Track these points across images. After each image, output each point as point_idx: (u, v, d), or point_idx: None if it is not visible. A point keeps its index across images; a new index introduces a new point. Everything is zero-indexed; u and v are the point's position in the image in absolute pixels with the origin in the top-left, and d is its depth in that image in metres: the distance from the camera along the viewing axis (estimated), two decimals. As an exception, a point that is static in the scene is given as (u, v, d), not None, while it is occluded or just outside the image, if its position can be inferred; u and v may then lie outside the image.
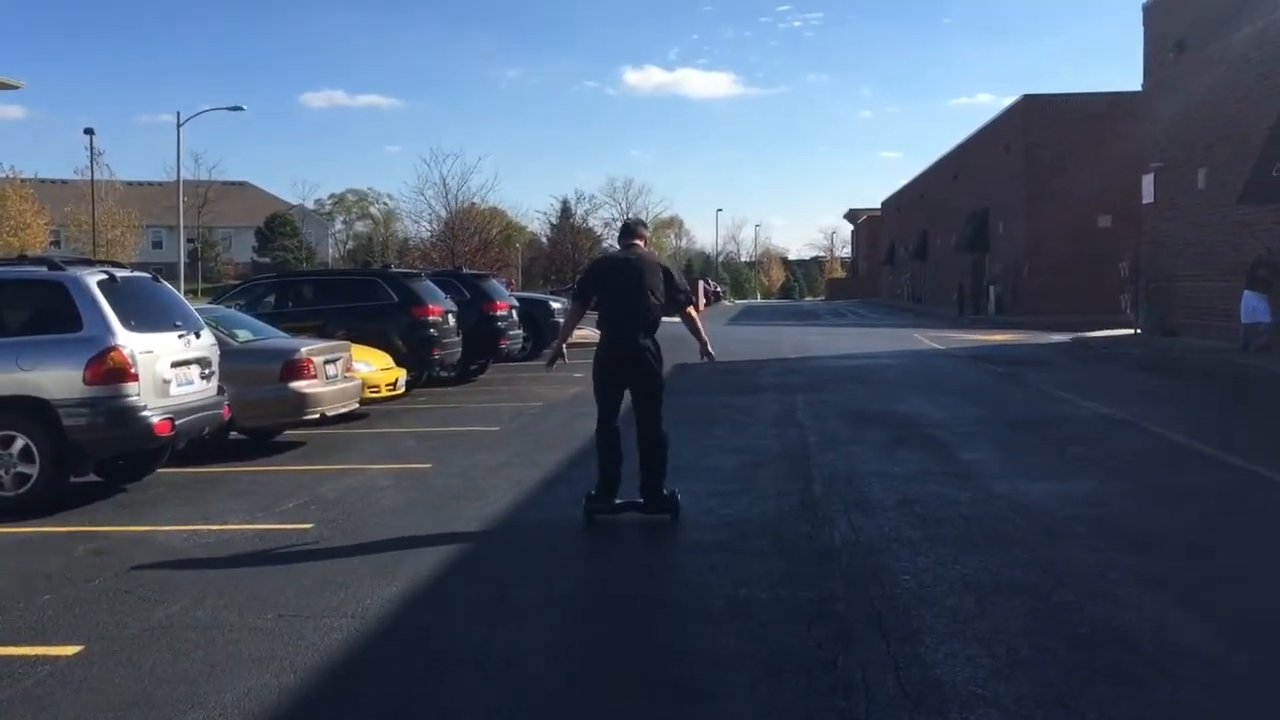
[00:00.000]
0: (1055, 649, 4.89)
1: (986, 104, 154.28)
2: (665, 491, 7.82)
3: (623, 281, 7.76)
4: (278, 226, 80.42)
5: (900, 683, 4.49)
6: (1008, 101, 45.11)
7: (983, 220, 47.63)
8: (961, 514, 7.66)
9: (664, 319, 7.77)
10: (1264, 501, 8.30)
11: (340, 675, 4.78)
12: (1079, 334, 28.22)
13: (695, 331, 8.08)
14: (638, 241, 8.03)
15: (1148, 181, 28.13)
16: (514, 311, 21.30)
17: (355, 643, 5.17)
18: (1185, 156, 25.46)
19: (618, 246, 8.24)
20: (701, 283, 59.99)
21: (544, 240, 72.10)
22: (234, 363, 10.53)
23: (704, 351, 8.16)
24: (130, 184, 71.24)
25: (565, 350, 8.16)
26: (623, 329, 7.71)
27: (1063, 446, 10.79)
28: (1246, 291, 20.75)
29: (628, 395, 7.81)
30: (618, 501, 7.84)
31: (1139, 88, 29.65)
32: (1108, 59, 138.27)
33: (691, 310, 8.04)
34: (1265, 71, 21.43)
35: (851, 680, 4.53)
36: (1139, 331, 26.88)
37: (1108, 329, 28.85)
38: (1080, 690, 4.40)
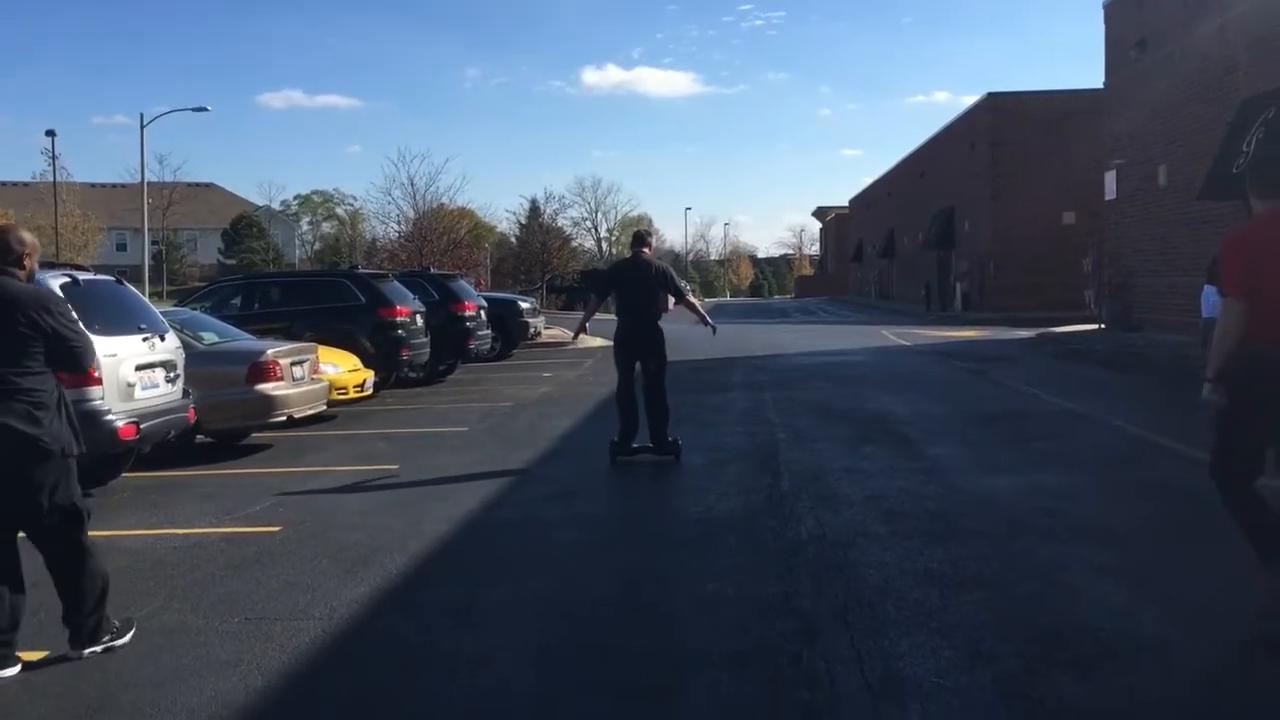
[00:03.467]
0: (1016, 640, 4.96)
1: (944, 102, 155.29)
2: (670, 439, 9.95)
3: (635, 279, 10.08)
4: (244, 228, 79.83)
5: (864, 675, 4.54)
6: (966, 100, 45.88)
7: (949, 218, 48.02)
8: (927, 509, 7.74)
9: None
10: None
11: (308, 677, 4.78)
12: (1044, 330, 28.52)
13: (694, 310, 10.64)
14: (645, 249, 10.35)
15: (1110, 178, 28.44)
16: (482, 312, 21.28)
17: (323, 645, 5.17)
18: (1147, 153, 25.76)
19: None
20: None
21: (513, 240, 71.89)
22: (199, 365, 10.47)
23: (704, 322, 10.60)
24: (93, 186, 70.57)
25: (587, 328, 11.10)
26: (636, 315, 10.03)
27: (1027, 441, 10.92)
28: (1207, 286, 20.94)
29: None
30: (634, 446, 9.98)
31: (1101, 85, 29.96)
32: (1068, 58, 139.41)
33: (689, 298, 10.68)
34: (1225, 68, 21.72)
35: (816, 673, 4.58)
36: (1103, 327, 27.19)
37: (1072, 324, 29.15)
38: (1040, 680, 4.46)
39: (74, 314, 5.05)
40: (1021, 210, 40.39)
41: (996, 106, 42.55)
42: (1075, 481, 8.80)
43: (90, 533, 5.13)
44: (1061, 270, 37.10)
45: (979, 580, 5.93)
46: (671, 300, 10.48)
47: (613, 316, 10.71)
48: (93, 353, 5.22)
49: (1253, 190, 5.27)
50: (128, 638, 5.15)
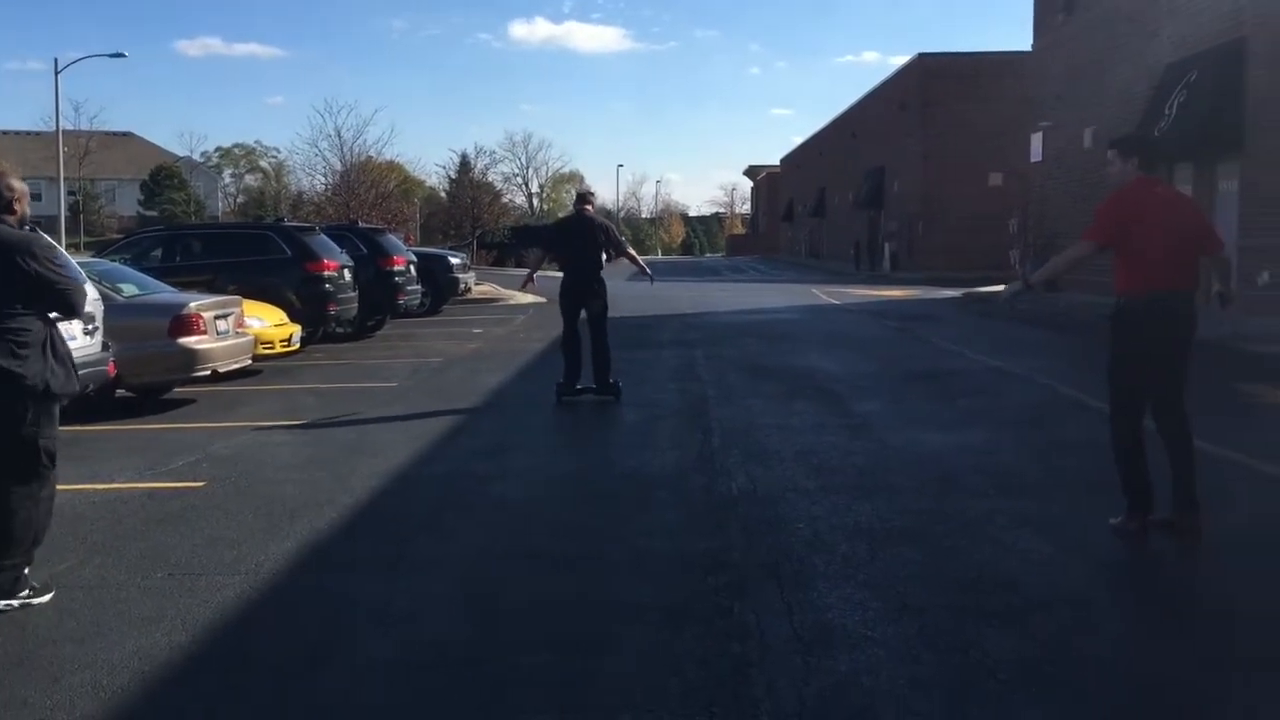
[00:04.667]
0: (943, 592, 5.05)
1: (873, 63, 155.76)
2: (611, 380, 10.84)
3: (580, 235, 10.88)
4: (164, 179, 77.61)
5: (793, 627, 4.59)
6: (894, 60, 46.18)
7: (879, 178, 48.38)
8: (855, 464, 7.83)
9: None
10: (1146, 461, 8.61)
11: (234, 632, 4.71)
12: (970, 289, 28.92)
13: (635, 261, 11.89)
14: (587, 207, 11.25)
15: (1036, 140, 28.82)
16: (411, 266, 21.02)
17: (250, 599, 5.10)
18: (1072, 115, 26.12)
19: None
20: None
21: (443, 195, 70.96)
22: (119, 318, 10.20)
23: (643, 272, 12.40)
24: (4, 133, 68.22)
25: (534, 278, 12.09)
26: (581, 268, 10.86)
27: (954, 398, 11.08)
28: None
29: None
30: (578, 387, 10.84)
31: (1029, 48, 30.28)
32: (996, 18, 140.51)
33: (630, 250, 11.68)
34: (1150, 31, 22.05)
35: (746, 625, 4.62)
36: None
37: (998, 284, 29.58)
38: (965, 631, 4.55)
39: (64, 258, 5.27)
40: (950, 171, 40.82)
41: (926, 67, 42.83)
42: (1001, 437, 8.95)
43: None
44: (988, 231, 37.56)
45: (906, 534, 6.02)
46: (605, 256, 11.09)
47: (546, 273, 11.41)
48: (83, 295, 5.41)
49: (1135, 157, 6.11)
50: (46, 598, 5.04)
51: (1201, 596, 5.21)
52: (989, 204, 38.53)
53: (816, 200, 64.18)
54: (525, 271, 12.37)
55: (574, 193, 12.08)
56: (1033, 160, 29.32)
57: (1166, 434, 5.91)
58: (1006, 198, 35.76)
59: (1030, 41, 30.00)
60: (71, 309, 5.30)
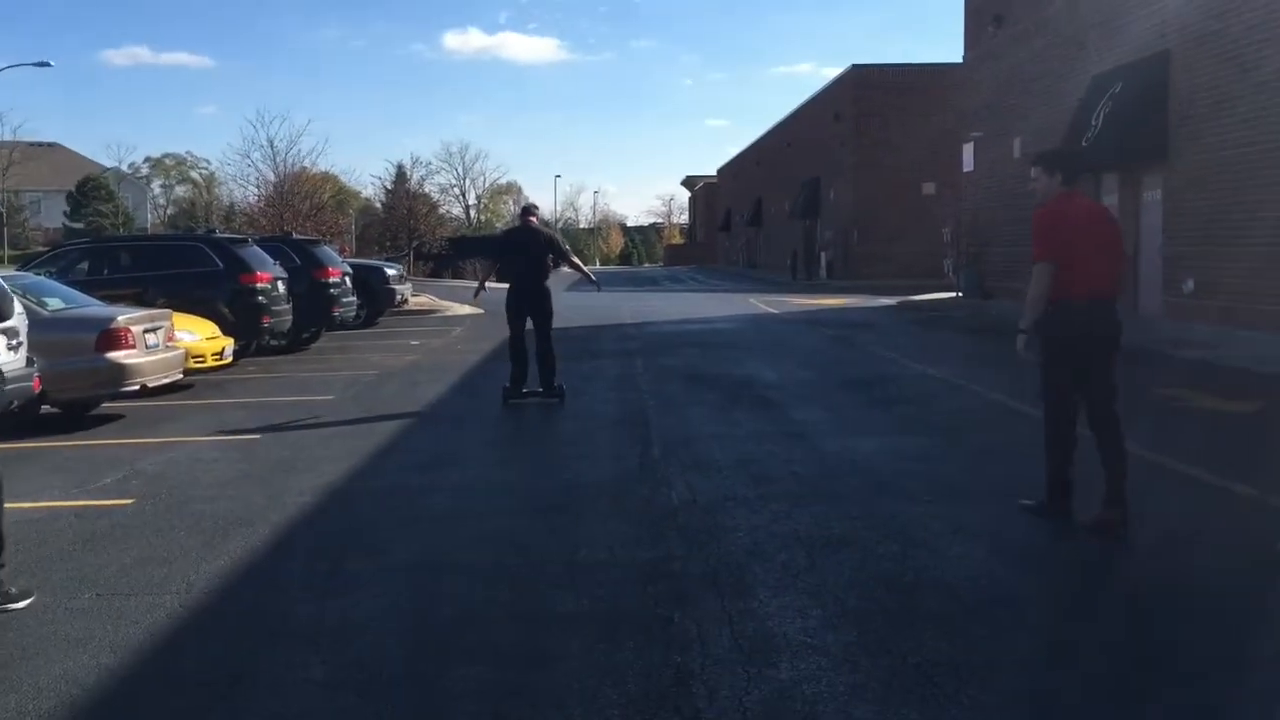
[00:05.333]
0: (881, 598, 5.08)
1: (807, 74, 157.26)
2: (556, 384, 11.29)
3: (526, 245, 11.30)
4: (91, 190, 75.97)
5: (734, 636, 4.59)
6: (828, 72, 46.70)
7: (814, 188, 48.82)
8: (794, 472, 7.87)
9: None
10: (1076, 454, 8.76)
11: (164, 654, 4.61)
12: (905, 298, 29.30)
13: (580, 270, 12.26)
14: (532, 218, 11.67)
15: (968, 150, 29.27)
16: (347, 278, 20.81)
17: (181, 620, 4.99)
18: (1002, 126, 26.56)
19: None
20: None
21: (379, 206, 70.26)
22: (44, 332, 9.95)
23: (588, 280, 12.73)
24: (-75, 144, 66.41)
25: (486, 287, 12.41)
26: (526, 278, 11.23)
27: (890, 405, 11.20)
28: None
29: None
30: (524, 390, 11.28)
31: (960, 60, 30.75)
32: (929, 31, 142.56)
33: (575, 259, 11.82)
34: (1075, 44, 22.50)
35: (687, 636, 4.62)
36: (960, 295, 28.05)
37: (931, 293, 30.00)
38: (904, 636, 4.58)
39: None
40: (884, 181, 41.33)
41: (860, 79, 43.33)
42: (936, 443, 9.06)
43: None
44: (922, 240, 38.08)
45: (844, 541, 6.05)
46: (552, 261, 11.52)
47: (471, 284, 11.60)
48: (7, 300, 5.57)
49: (1059, 172, 6.27)
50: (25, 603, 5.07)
51: (1131, 595, 5.29)
52: (923, 213, 39.05)
53: (753, 210, 64.61)
54: (464, 283, 12.28)
55: (512, 204, 12.17)
56: (965, 170, 29.76)
57: (1102, 439, 6.11)
58: (940, 207, 36.25)
59: (961, 53, 30.48)
60: None
